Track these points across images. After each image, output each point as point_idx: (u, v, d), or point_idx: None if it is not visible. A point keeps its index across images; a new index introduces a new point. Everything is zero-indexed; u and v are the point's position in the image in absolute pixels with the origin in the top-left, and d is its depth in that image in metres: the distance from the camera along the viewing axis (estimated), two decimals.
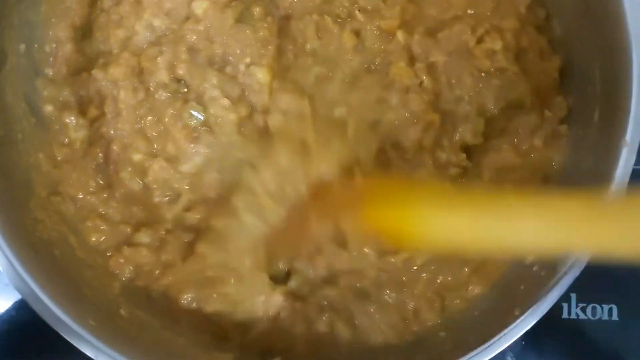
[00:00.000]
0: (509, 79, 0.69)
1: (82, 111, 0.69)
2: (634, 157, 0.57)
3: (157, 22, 0.69)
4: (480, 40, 0.69)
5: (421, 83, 0.69)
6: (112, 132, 0.68)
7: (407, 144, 0.68)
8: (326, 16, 0.70)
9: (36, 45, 0.69)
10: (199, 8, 0.68)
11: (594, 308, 0.81)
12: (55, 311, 0.56)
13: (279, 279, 0.68)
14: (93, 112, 0.69)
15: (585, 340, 0.81)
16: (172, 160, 0.68)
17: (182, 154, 0.68)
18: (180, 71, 0.68)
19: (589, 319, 0.81)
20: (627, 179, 0.57)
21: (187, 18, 0.69)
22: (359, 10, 0.70)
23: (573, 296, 0.81)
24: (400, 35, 0.69)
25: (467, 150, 0.70)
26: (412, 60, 0.69)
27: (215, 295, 0.66)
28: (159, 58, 0.67)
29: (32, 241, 0.61)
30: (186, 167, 0.68)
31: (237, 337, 0.66)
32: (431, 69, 0.69)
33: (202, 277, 0.67)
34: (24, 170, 0.65)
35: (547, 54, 0.70)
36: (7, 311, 0.80)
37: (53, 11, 0.69)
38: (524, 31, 0.69)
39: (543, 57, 0.69)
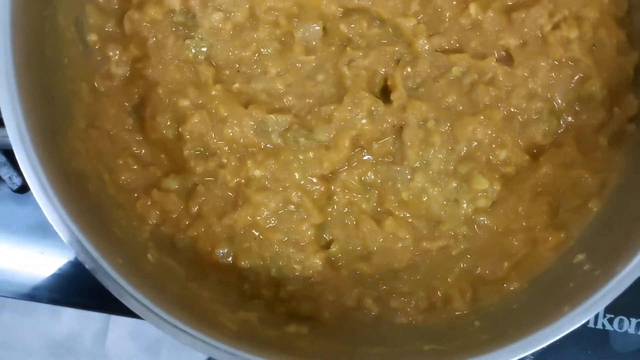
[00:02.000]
0: (582, 71, 0.66)
1: (125, 47, 0.67)
2: None
3: None
4: (556, 27, 0.66)
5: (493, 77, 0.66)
6: (157, 75, 0.67)
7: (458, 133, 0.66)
8: None
9: None
10: None
11: (621, 320, 0.79)
12: (83, 242, 0.54)
13: (321, 246, 0.66)
14: (134, 51, 0.68)
15: (607, 352, 0.79)
16: (216, 119, 0.66)
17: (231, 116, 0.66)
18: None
19: (615, 330, 0.79)
20: None
21: None
22: None
23: None
24: (472, 9, 0.66)
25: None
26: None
27: (256, 249, 0.64)
28: None
29: (67, 170, 0.59)
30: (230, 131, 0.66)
31: (268, 293, 0.64)
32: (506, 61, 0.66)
33: (241, 230, 0.65)
34: (66, 97, 0.63)
35: (624, 49, 0.66)
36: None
37: None
38: (603, 22, 0.66)
39: (620, 52, 0.66)
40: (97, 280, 0.54)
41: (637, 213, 0.58)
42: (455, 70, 0.66)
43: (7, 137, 0.54)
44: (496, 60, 0.66)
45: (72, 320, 1.10)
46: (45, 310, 1.07)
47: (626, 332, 0.79)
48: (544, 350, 0.78)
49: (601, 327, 0.79)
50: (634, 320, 0.79)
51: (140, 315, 0.54)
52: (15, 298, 0.82)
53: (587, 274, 0.57)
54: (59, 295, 0.81)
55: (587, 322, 0.79)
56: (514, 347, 0.53)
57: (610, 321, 0.79)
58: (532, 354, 0.79)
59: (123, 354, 1.11)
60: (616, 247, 0.57)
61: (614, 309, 0.79)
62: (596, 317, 0.79)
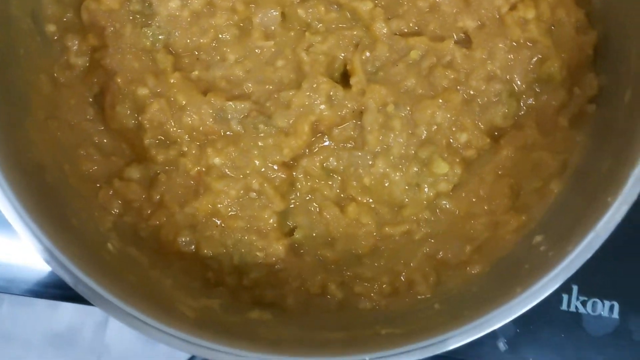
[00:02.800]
0: (540, 52, 0.65)
1: (84, 37, 0.67)
2: None
3: None
4: (513, 8, 0.65)
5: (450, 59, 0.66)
6: (115, 65, 0.67)
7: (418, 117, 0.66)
8: None
9: None
10: None
11: (594, 303, 0.78)
12: (35, 232, 0.54)
13: (284, 233, 0.67)
14: (92, 40, 0.67)
15: (581, 335, 0.78)
16: (175, 107, 0.66)
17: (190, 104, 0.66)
18: None
19: (588, 313, 0.78)
20: None
21: None
22: None
23: (575, 288, 0.78)
24: None
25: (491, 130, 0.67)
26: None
27: (218, 236, 0.65)
28: None
29: (22, 162, 0.59)
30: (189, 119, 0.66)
31: (231, 281, 0.65)
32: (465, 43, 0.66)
33: (203, 218, 0.65)
34: (22, 88, 0.63)
35: (583, 28, 0.66)
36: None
37: None
38: (562, 2, 0.66)
39: (579, 31, 0.66)
40: None
41: (592, 194, 0.58)
42: (414, 54, 0.66)
43: None
44: (454, 43, 0.66)
45: (72, 312, 1.11)
46: (44, 302, 1.07)
47: (599, 315, 0.78)
48: (517, 333, 0.79)
49: (574, 310, 0.78)
50: (607, 303, 0.78)
51: (95, 305, 0.54)
52: (12, 294, 0.82)
53: (542, 255, 0.57)
54: (56, 291, 0.81)
55: (560, 304, 0.80)
56: (467, 328, 0.53)
57: (584, 304, 0.78)
58: (505, 337, 0.80)
59: (122, 344, 1.12)
60: (570, 228, 0.56)
61: (586, 291, 0.78)
62: (569, 299, 0.78)
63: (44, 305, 1.10)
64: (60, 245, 0.55)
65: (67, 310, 1.11)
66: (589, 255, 0.53)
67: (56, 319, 1.12)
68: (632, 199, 0.53)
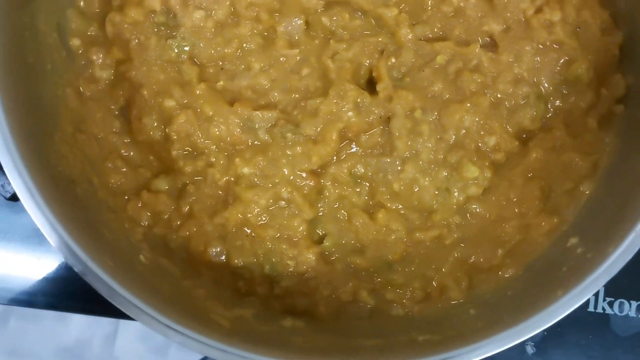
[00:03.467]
0: (567, 53, 0.65)
1: (109, 50, 0.68)
2: None
3: None
4: (538, 10, 0.66)
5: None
6: (141, 77, 0.67)
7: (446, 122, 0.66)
8: None
9: None
10: None
11: (621, 303, 0.79)
12: (71, 245, 0.54)
13: (314, 241, 0.67)
14: (117, 53, 0.68)
15: (608, 336, 0.79)
16: (202, 118, 0.66)
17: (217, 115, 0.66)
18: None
19: (615, 314, 0.79)
20: None
21: None
22: None
23: (601, 289, 0.78)
24: None
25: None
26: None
27: (249, 246, 0.65)
28: None
29: (54, 175, 0.59)
30: (217, 130, 0.66)
31: (262, 291, 0.65)
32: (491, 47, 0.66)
33: (233, 228, 0.65)
34: (51, 102, 0.63)
35: (608, 29, 0.66)
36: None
37: None
38: (586, 4, 0.66)
39: (604, 32, 0.66)
40: None
41: (628, 194, 0.58)
42: (440, 59, 0.66)
43: None
44: (480, 47, 0.66)
45: (81, 325, 1.11)
46: (52, 316, 1.07)
47: (627, 315, 0.78)
48: (544, 336, 0.79)
49: (601, 311, 0.78)
50: (634, 303, 0.78)
51: (132, 316, 0.54)
52: (13, 305, 0.82)
53: (579, 258, 0.57)
54: (57, 301, 0.81)
55: (587, 306, 0.80)
56: (508, 333, 0.53)
57: (610, 304, 0.79)
58: (532, 341, 0.80)
59: (132, 356, 1.11)
60: (608, 229, 0.56)
61: (613, 292, 0.78)
62: (596, 300, 0.78)
63: (52, 318, 1.09)
64: (95, 258, 0.55)
65: (76, 323, 1.10)
66: (630, 255, 0.53)
67: (65, 332, 1.12)
68: None
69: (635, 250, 0.53)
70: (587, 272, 0.53)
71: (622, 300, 0.78)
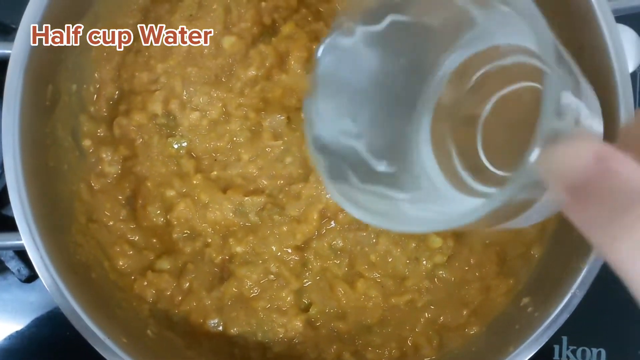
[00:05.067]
0: None
1: (116, 149, 0.76)
2: None
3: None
4: None
5: None
6: (145, 171, 0.76)
7: None
8: None
9: (84, 86, 0.75)
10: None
11: (583, 351, 0.85)
12: (92, 328, 0.62)
13: (301, 309, 0.74)
14: (123, 151, 0.76)
15: None
16: (199, 205, 0.74)
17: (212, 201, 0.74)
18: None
19: None
20: None
21: None
22: None
23: (564, 338, 0.85)
24: None
25: None
26: None
27: (243, 317, 0.72)
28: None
29: (73, 263, 0.67)
30: (212, 215, 0.74)
31: (256, 356, 0.72)
32: None
33: (228, 301, 0.73)
34: (67, 199, 0.71)
35: None
36: (28, 327, 0.87)
37: (100, 55, 0.76)
38: None
39: None
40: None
41: (568, 257, 0.65)
42: None
43: (21, 240, 0.63)
44: None
45: None
46: None
47: None
48: None
49: (566, 359, 0.85)
50: (594, 350, 0.85)
51: None
52: None
53: (529, 316, 0.65)
54: None
55: (552, 355, 0.87)
56: None
57: (574, 352, 0.85)
58: None
59: None
60: (552, 289, 0.64)
61: (575, 340, 0.85)
62: (560, 349, 0.85)
63: None
64: (112, 336, 0.63)
65: None
66: (567, 315, 0.61)
67: None
68: (599, 264, 0.61)
69: (572, 309, 0.61)
70: (533, 329, 0.61)
71: (584, 347, 0.85)
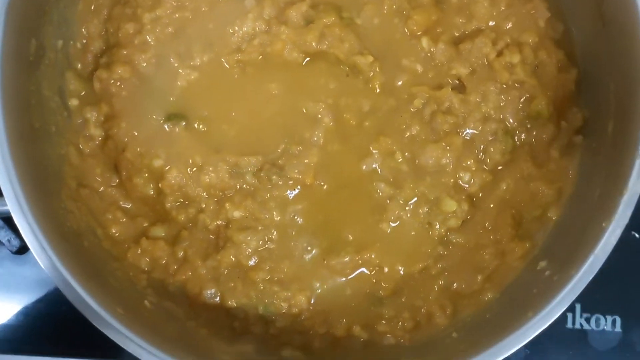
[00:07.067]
0: (527, 91, 0.71)
1: (99, 107, 0.72)
2: None
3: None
4: (500, 54, 0.71)
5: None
6: (123, 136, 0.71)
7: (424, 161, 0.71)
8: None
9: (71, 42, 0.71)
10: None
11: (597, 319, 0.82)
12: (85, 298, 0.58)
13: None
14: (104, 108, 0.71)
15: (587, 351, 0.82)
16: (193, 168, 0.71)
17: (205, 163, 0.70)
18: None
19: (592, 329, 0.82)
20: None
21: None
22: None
23: (578, 306, 0.82)
24: (425, 42, 0.72)
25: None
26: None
27: (241, 288, 0.68)
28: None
29: (63, 231, 0.63)
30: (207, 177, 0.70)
31: (257, 330, 0.68)
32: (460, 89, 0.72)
33: (225, 270, 0.69)
34: (56, 162, 0.68)
35: (564, 67, 0.72)
36: (21, 302, 0.83)
37: (88, 8, 0.72)
38: (543, 45, 0.72)
39: (560, 70, 0.72)
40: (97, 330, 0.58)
41: (587, 219, 0.63)
42: (417, 102, 0.72)
43: (6, 205, 0.59)
44: (451, 89, 0.71)
45: None
46: None
47: (603, 330, 0.82)
48: (526, 355, 0.83)
49: (579, 327, 0.82)
50: (609, 318, 0.82)
51: None
52: (15, 354, 0.85)
53: (548, 280, 0.62)
54: (62, 349, 0.84)
55: (566, 322, 0.84)
56: (486, 354, 0.57)
57: (587, 320, 0.82)
58: (517, 358, 0.83)
59: None
60: (571, 252, 0.61)
61: (589, 308, 0.82)
62: (573, 317, 0.82)
63: None
64: (106, 307, 0.59)
65: None
66: (590, 277, 0.57)
67: None
68: (624, 222, 0.58)
69: (595, 272, 0.58)
70: (554, 293, 0.58)
71: (598, 315, 0.82)
